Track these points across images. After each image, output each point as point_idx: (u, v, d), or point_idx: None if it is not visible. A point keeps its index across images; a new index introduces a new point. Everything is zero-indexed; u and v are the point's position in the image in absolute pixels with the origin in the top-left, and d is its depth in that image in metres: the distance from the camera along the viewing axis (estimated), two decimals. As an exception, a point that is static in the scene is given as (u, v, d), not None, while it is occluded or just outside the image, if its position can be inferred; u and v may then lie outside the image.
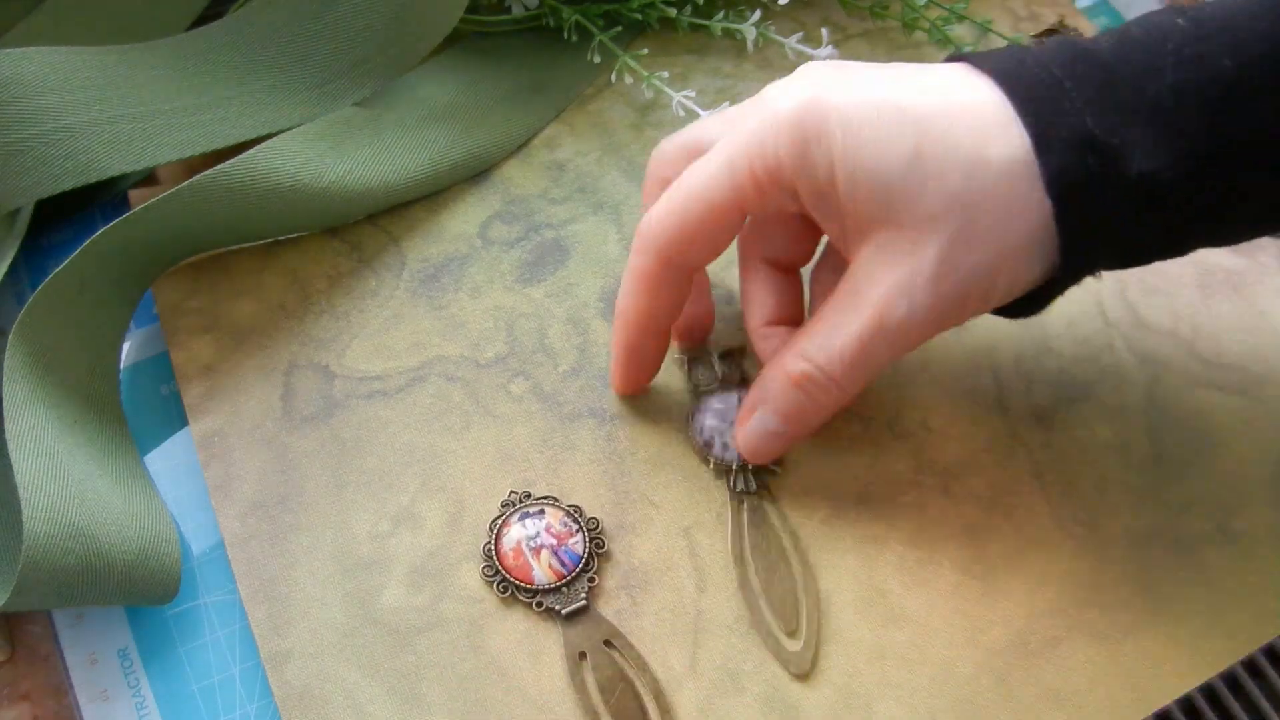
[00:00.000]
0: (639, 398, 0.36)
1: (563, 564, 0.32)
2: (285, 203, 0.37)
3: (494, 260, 0.39)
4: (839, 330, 0.29)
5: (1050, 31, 0.46)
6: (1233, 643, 0.32)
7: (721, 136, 0.31)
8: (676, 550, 0.33)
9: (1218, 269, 0.39)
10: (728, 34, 0.44)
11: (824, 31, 0.43)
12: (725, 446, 0.34)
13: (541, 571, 0.32)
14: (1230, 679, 0.32)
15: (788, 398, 0.31)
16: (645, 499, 0.34)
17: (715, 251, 0.31)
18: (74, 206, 0.40)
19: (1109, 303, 0.38)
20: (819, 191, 0.28)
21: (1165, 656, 0.32)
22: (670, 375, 0.37)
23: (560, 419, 0.36)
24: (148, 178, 0.41)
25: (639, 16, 0.44)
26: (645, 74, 0.42)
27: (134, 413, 0.36)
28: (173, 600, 0.32)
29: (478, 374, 0.37)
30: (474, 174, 0.41)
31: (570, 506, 0.34)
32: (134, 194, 0.40)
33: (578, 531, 0.33)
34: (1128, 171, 0.26)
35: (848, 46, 0.45)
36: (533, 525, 0.33)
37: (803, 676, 0.31)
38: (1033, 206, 0.27)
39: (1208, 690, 0.32)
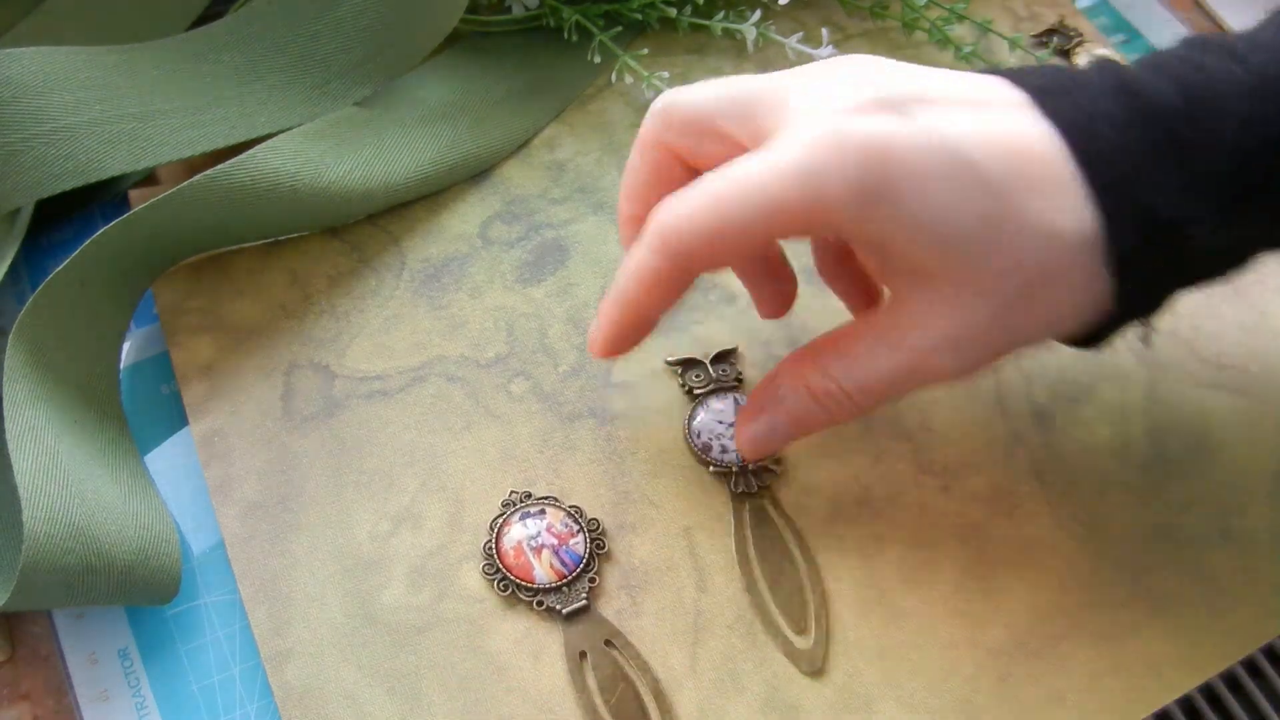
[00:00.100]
0: (639, 398, 0.36)
1: (564, 564, 0.32)
2: (285, 203, 0.37)
3: (494, 260, 0.39)
4: (873, 362, 0.28)
5: (1050, 31, 0.46)
6: (1233, 643, 0.32)
7: (738, 121, 0.29)
8: (676, 550, 0.33)
9: (1218, 269, 0.39)
10: (728, 34, 0.44)
11: (824, 31, 0.43)
12: (724, 449, 0.34)
13: (542, 571, 0.32)
14: (1230, 679, 0.32)
15: (803, 407, 0.30)
16: (645, 499, 0.34)
17: (736, 264, 0.31)
18: (74, 206, 0.40)
19: (1109, 303, 0.38)
20: (873, 238, 0.27)
21: (1165, 656, 0.32)
22: (670, 375, 0.37)
23: (560, 419, 0.36)
24: (148, 178, 0.41)
25: (639, 16, 0.44)
26: (645, 74, 0.42)
27: (134, 413, 0.36)
28: (173, 600, 0.32)
29: (478, 374, 0.37)
30: (474, 174, 0.41)
31: (571, 507, 0.34)
32: (134, 194, 0.40)
33: (579, 531, 0.33)
34: (1193, 247, 0.26)
35: (848, 46, 0.45)
36: (534, 525, 0.33)
37: (815, 674, 0.31)
38: (1095, 277, 0.26)
39: (1208, 690, 0.32)
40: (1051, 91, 0.27)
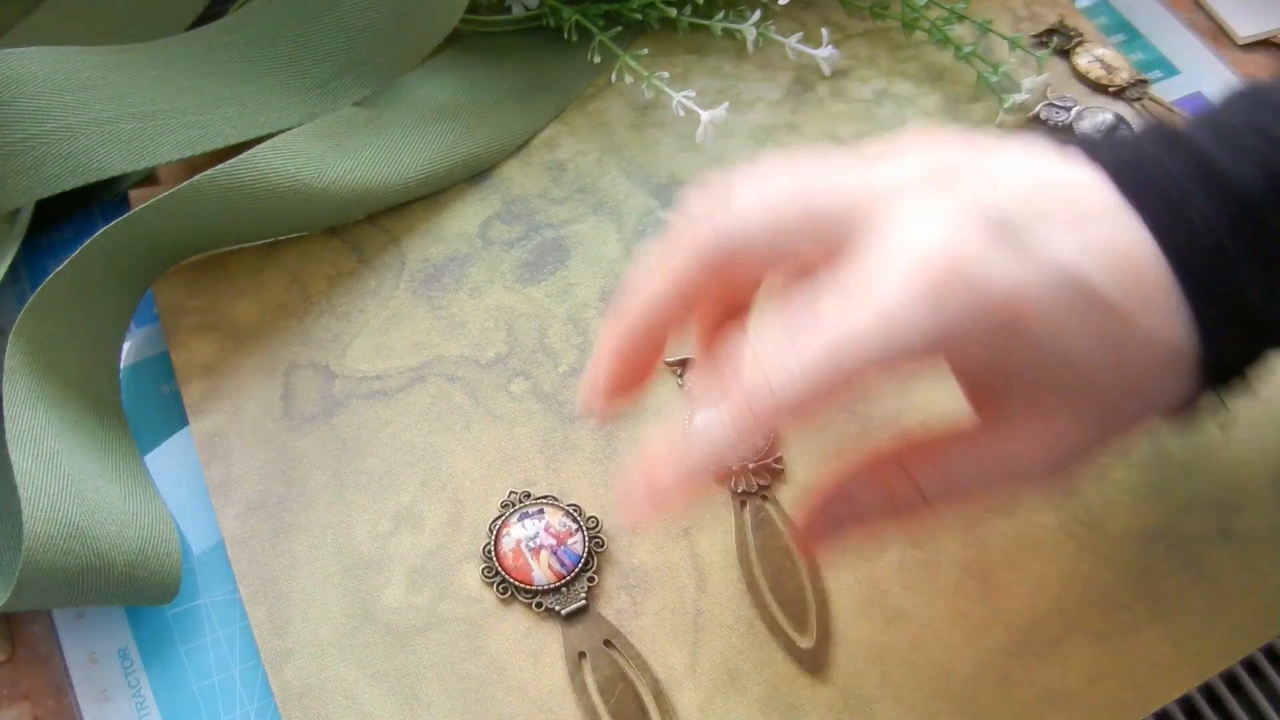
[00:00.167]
0: (639, 398, 0.36)
1: (562, 564, 0.32)
2: (285, 203, 0.37)
3: (494, 260, 0.39)
4: (967, 473, 0.27)
5: (1050, 31, 0.46)
6: (1233, 643, 0.32)
7: (813, 242, 0.26)
8: (676, 550, 0.33)
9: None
10: (728, 34, 0.44)
11: (824, 32, 0.43)
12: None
13: (541, 572, 0.32)
14: (1230, 679, 0.32)
15: (880, 510, 0.28)
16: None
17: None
18: (74, 206, 0.40)
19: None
20: (986, 370, 0.26)
21: (1165, 656, 0.32)
22: (670, 374, 0.37)
23: (560, 419, 0.36)
24: (148, 178, 0.41)
25: (639, 16, 0.44)
26: (645, 74, 0.42)
27: (134, 413, 0.36)
28: (173, 600, 0.32)
29: (478, 374, 0.37)
30: (474, 174, 0.41)
31: (570, 506, 0.34)
32: (134, 194, 0.40)
33: (577, 531, 0.33)
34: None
35: (848, 47, 0.45)
36: (532, 525, 0.33)
37: (815, 674, 0.31)
38: (1188, 378, 0.26)
39: (1208, 690, 0.32)
40: (1141, 187, 0.26)
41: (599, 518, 0.34)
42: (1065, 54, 0.46)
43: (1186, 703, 0.31)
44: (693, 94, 0.41)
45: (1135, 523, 0.34)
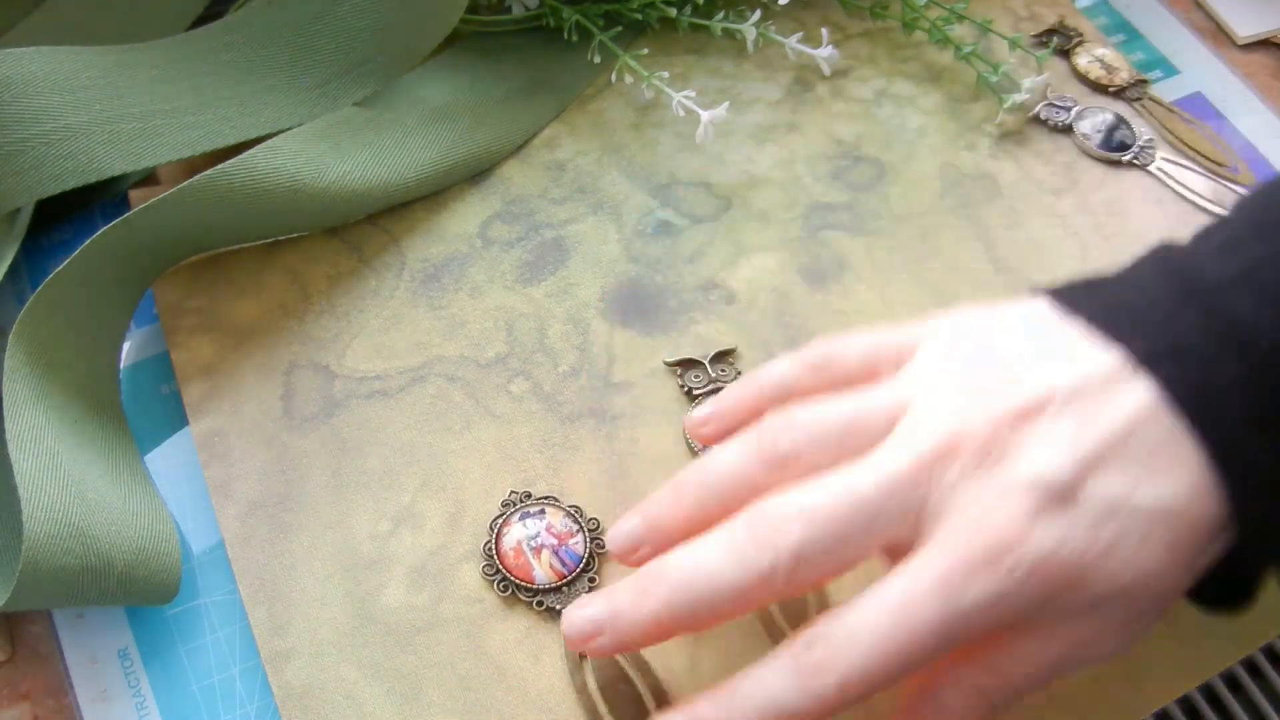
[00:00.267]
0: (639, 398, 0.36)
1: (563, 564, 0.32)
2: (285, 203, 0.37)
3: (494, 260, 0.39)
4: (1019, 666, 0.27)
5: (1050, 31, 0.46)
6: (1233, 643, 0.32)
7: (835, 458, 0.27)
8: (677, 550, 0.33)
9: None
10: (728, 34, 0.44)
11: (824, 31, 0.43)
12: (724, 449, 0.34)
13: (542, 571, 0.32)
14: (1230, 679, 0.32)
15: (974, 709, 0.28)
16: (645, 499, 0.34)
17: None
18: (74, 206, 0.40)
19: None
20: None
21: (1165, 656, 0.32)
22: (669, 374, 0.37)
23: (560, 419, 0.36)
24: (148, 178, 0.41)
25: (639, 16, 0.44)
26: (645, 74, 0.42)
27: (134, 413, 0.36)
28: (173, 600, 0.32)
29: (478, 374, 0.37)
30: (474, 174, 0.41)
31: (571, 506, 0.34)
32: (134, 194, 0.40)
33: (578, 531, 0.33)
34: None
35: (848, 47, 0.45)
36: (533, 525, 0.33)
37: None
38: (1219, 549, 0.26)
39: (1208, 690, 0.32)
40: (1168, 359, 0.26)
41: (600, 520, 0.34)
42: (1065, 54, 0.46)
43: (1186, 703, 0.31)
44: (693, 94, 0.41)
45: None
